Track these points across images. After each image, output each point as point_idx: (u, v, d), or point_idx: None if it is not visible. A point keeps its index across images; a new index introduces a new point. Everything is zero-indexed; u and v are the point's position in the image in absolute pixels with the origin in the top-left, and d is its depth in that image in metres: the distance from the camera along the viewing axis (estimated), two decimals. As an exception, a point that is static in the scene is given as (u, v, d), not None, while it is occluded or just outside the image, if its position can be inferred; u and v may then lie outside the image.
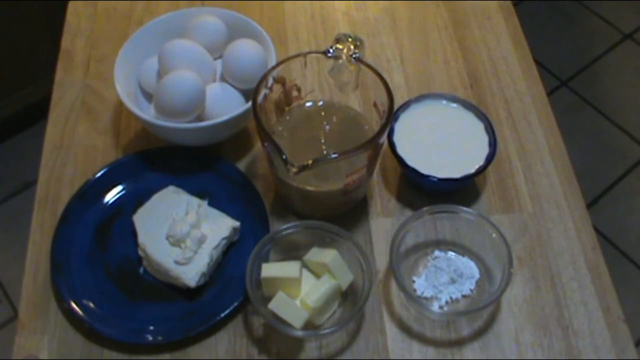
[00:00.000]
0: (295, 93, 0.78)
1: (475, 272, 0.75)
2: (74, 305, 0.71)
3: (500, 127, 0.86)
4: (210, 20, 0.84)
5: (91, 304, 0.72)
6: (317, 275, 0.72)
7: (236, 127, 0.82)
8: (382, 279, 0.75)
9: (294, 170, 0.66)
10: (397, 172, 0.83)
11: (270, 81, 0.74)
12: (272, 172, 0.76)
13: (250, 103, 0.74)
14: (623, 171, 1.75)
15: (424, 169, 0.77)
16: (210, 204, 0.77)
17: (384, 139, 0.71)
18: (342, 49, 0.74)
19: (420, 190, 0.81)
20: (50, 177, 0.82)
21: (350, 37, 0.75)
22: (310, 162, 0.66)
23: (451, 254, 0.76)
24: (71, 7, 0.99)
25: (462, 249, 0.76)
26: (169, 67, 0.79)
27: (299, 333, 0.68)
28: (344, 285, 0.71)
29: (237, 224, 0.76)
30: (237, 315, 0.72)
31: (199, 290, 0.73)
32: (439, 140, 0.80)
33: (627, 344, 0.71)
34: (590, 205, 1.67)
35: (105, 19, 0.97)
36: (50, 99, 0.89)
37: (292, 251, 0.74)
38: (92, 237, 0.76)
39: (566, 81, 1.92)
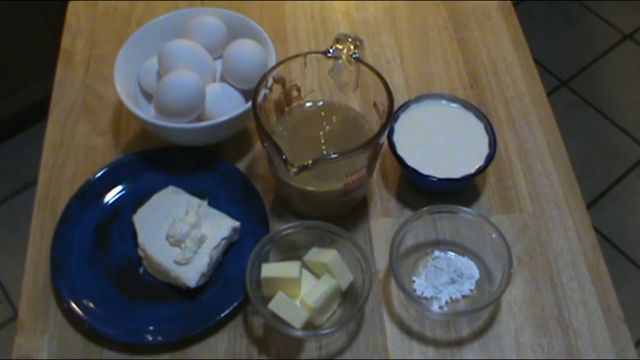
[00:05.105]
0: (295, 93, 0.78)
1: (475, 272, 0.74)
2: (74, 305, 0.71)
3: (500, 127, 0.86)
4: (210, 20, 0.84)
5: (91, 304, 0.72)
6: (317, 275, 0.72)
7: (236, 127, 0.82)
8: (382, 279, 0.75)
9: (294, 170, 0.66)
10: (397, 172, 0.83)
11: (270, 81, 0.74)
12: (272, 172, 0.76)
13: (250, 103, 0.74)
14: (623, 171, 1.75)
15: (424, 169, 0.77)
16: (210, 204, 0.77)
17: (384, 139, 0.71)
18: (342, 49, 0.74)
19: (420, 190, 0.81)
20: (50, 177, 0.82)
21: (350, 37, 0.75)
22: (310, 162, 0.66)
23: (451, 254, 0.76)
24: (71, 7, 0.99)
25: (462, 249, 0.76)
26: (169, 67, 0.79)
27: (299, 333, 0.68)
28: (344, 285, 0.71)
29: (237, 224, 0.76)
30: (237, 315, 0.72)
31: (199, 290, 0.73)
32: (438, 140, 0.80)
33: (627, 344, 0.71)
34: (590, 205, 1.67)
35: (105, 19, 0.97)
36: (50, 99, 0.89)
37: (292, 251, 0.74)
38: (92, 237, 0.76)
39: (566, 81, 1.92)
